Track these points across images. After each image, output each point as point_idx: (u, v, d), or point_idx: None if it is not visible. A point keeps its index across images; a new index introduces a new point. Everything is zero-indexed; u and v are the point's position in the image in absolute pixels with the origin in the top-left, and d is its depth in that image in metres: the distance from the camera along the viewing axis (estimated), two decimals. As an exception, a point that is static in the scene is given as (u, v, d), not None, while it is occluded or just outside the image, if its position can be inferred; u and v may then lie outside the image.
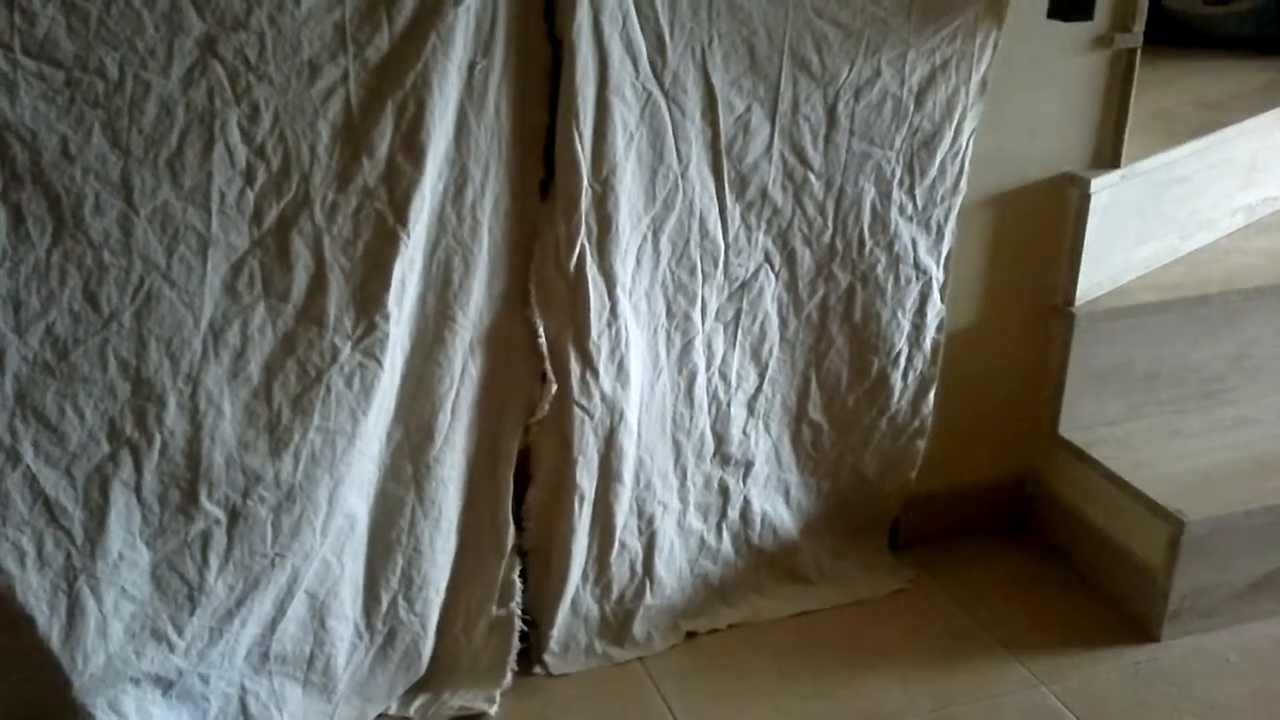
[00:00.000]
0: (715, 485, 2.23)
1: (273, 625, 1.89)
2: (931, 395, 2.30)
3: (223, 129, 1.66)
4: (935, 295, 2.23)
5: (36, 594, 1.70)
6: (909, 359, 2.27)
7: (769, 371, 2.18)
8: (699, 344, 2.11)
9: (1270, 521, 2.25)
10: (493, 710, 2.05)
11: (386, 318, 1.80)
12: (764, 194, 2.05)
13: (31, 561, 1.69)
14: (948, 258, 2.20)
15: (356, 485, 1.89)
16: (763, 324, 2.14)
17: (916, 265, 2.20)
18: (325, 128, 1.71)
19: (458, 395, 1.93)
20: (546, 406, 1.99)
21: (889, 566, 2.40)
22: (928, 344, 2.26)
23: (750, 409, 2.20)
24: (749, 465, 2.23)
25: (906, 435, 2.33)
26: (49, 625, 1.71)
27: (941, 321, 2.25)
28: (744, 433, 2.21)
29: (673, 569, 2.22)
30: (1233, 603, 2.27)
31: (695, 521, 2.23)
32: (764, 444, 2.23)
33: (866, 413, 2.28)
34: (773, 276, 2.12)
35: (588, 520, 2.09)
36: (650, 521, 2.17)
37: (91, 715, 1.74)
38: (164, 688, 1.83)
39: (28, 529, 1.68)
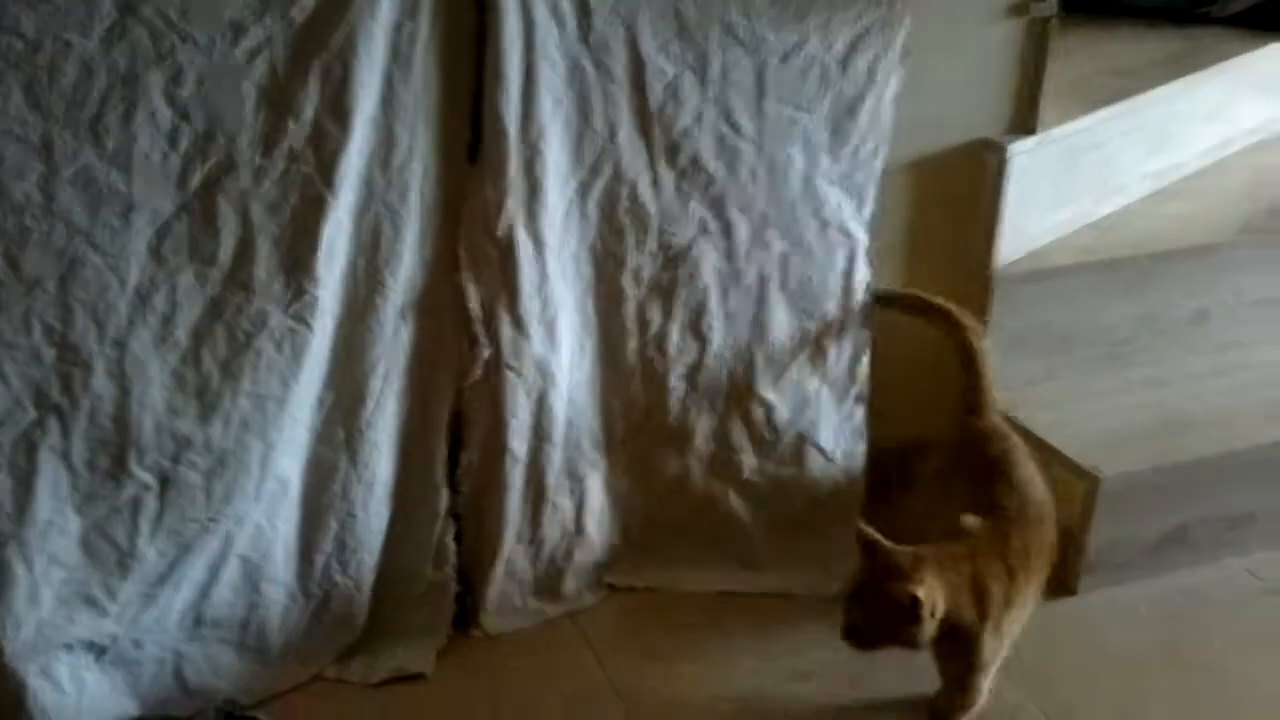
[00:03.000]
0: (648, 453, 2.24)
1: (206, 590, 1.89)
2: (866, 359, 2.31)
3: (145, 91, 1.65)
4: (861, 259, 2.25)
5: (-37, 561, 1.68)
6: (842, 323, 2.29)
7: (711, 345, 2.19)
8: (630, 310, 2.12)
9: (1178, 478, 2.33)
10: (430, 670, 2.06)
11: (316, 282, 1.80)
12: (696, 161, 2.05)
13: (-44, 529, 1.68)
14: (871, 221, 2.24)
15: (289, 450, 1.89)
16: (702, 296, 2.15)
17: (843, 229, 2.21)
18: (250, 90, 1.71)
19: (389, 359, 1.94)
20: (478, 370, 2.01)
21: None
22: (857, 306, 2.30)
23: (691, 383, 2.20)
24: (688, 439, 2.24)
25: (848, 403, 2.33)
26: (-25, 593, 1.70)
27: (868, 285, 2.28)
28: (683, 406, 2.21)
29: (601, 527, 2.25)
30: (1145, 556, 2.34)
31: (625, 483, 2.25)
32: (707, 420, 2.23)
33: (810, 383, 2.29)
34: (710, 247, 2.12)
35: (520, 482, 2.10)
36: (581, 481, 2.19)
37: (24, 681, 1.74)
38: (97, 653, 1.83)
39: (-49, 497, 1.67)
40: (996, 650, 1.91)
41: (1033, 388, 2.49)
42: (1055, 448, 2.32)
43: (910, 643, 1.80)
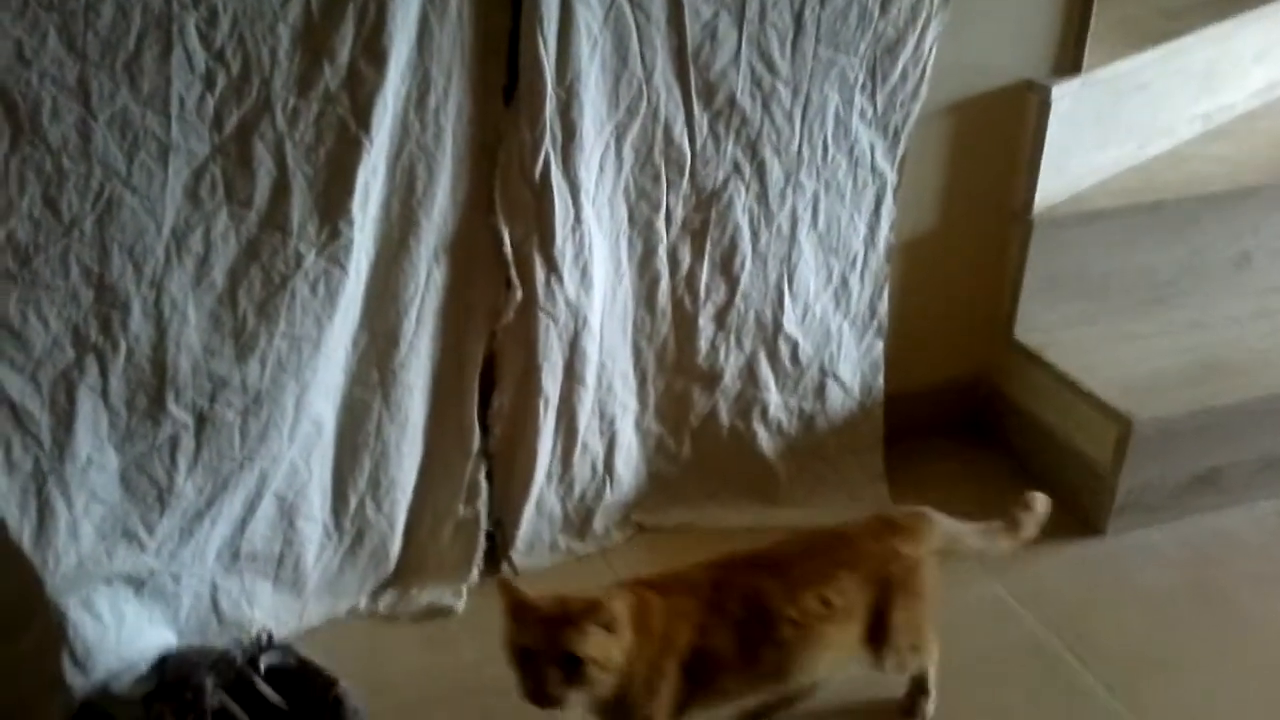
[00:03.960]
0: (677, 393, 2.26)
1: (242, 526, 1.93)
2: (886, 295, 2.33)
3: (181, 33, 1.64)
4: (889, 198, 2.25)
5: (5, 497, 1.72)
6: (865, 261, 2.29)
7: (740, 285, 2.20)
8: (662, 252, 2.12)
9: (1212, 421, 2.32)
10: (460, 606, 2.10)
11: (351, 224, 1.80)
12: (732, 102, 2.04)
13: (0, 465, 1.71)
14: (902, 161, 2.22)
15: (323, 391, 1.91)
16: (733, 236, 2.15)
17: (873, 169, 2.21)
18: (285, 32, 1.70)
19: (423, 302, 1.95)
20: (511, 313, 2.01)
21: (875, 501, 2.37)
22: (882, 245, 2.29)
23: (720, 323, 2.22)
24: (716, 378, 2.26)
25: (869, 336, 2.36)
26: (19, 527, 1.73)
27: (894, 223, 2.28)
28: (712, 345, 2.23)
29: (630, 467, 2.27)
30: (1175, 498, 2.35)
31: (654, 424, 2.27)
32: (735, 359, 2.26)
33: (833, 319, 2.31)
34: (742, 187, 2.12)
35: (552, 423, 2.13)
36: (611, 422, 2.21)
37: (65, 614, 1.78)
38: (136, 586, 1.87)
39: (-6, 433, 1.70)
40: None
41: (1068, 331, 2.48)
42: (1088, 391, 2.32)
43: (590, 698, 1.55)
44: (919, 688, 1.88)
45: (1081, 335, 2.48)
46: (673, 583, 1.66)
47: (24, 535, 1.74)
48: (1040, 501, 1.88)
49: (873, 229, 2.27)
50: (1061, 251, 2.43)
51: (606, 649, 1.51)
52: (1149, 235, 2.51)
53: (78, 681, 1.79)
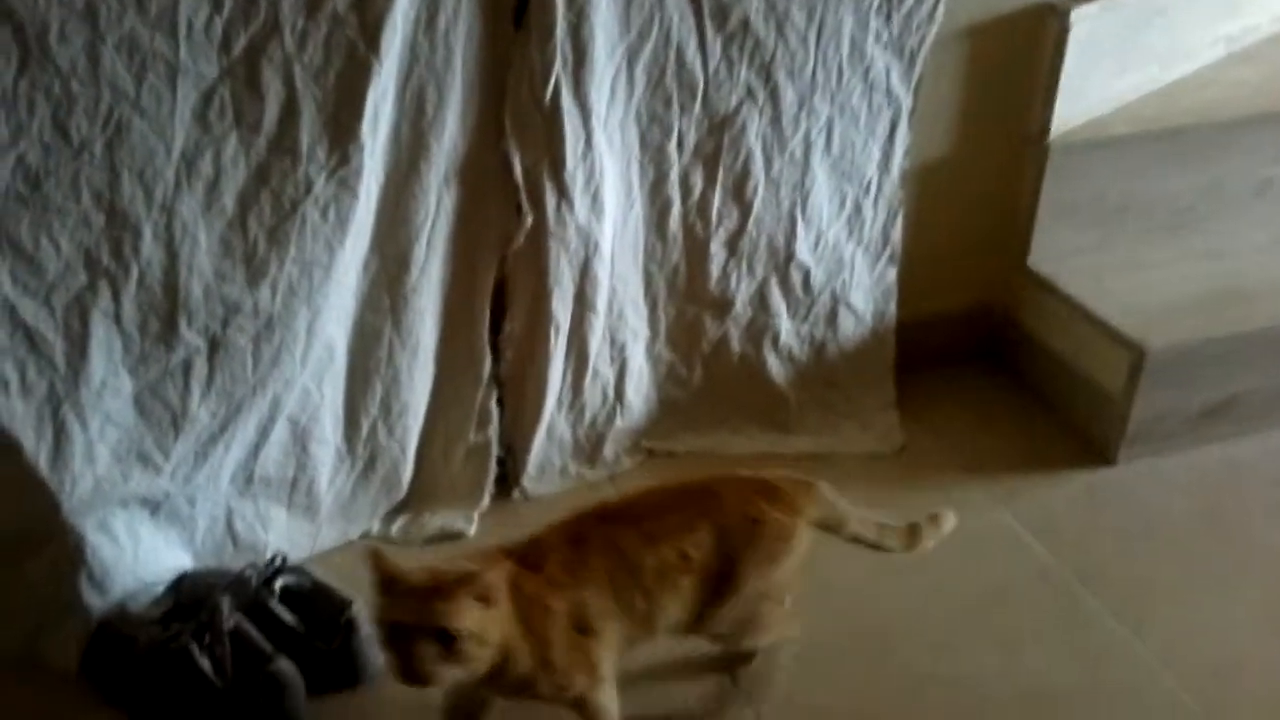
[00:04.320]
0: (688, 319, 2.26)
1: (256, 450, 1.95)
2: (900, 221, 2.32)
3: (186, -48, 1.63)
4: (904, 122, 2.22)
5: (21, 420, 1.73)
6: (879, 187, 2.27)
7: (753, 211, 2.18)
8: (674, 177, 2.11)
9: (1228, 350, 2.31)
10: (471, 530, 2.12)
11: (360, 148, 1.79)
12: (746, 25, 2.01)
13: (15, 389, 1.72)
14: (918, 85, 2.19)
15: (335, 316, 1.92)
16: (746, 161, 2.13)
17: (889, 93, 2.18)
18: (292, -49, 1.68)
19: (433, 227, 1.94)
20: (522, 238, 2.01)
21: (886, 429, 2.39)
22: (896, 170, 2.27)
23: (731, 249, 2.21)
24: (727, 305, 2.26)
25: (881, 263, 2.35)
26: (36, 450, 1.75)
27: (909, 148, 2.25)
28: (724, 272, 2.22)
29: (641, 393, 2.28)
30: (1188, 427, 2.34)
31: (665, 351, 2.28)
32: (746, 286, 2.25)
33: (846, 246, 2.30)
34: (756, 112, 2.10)
35: (563, 349, 2.13)
36: (622, 349, 2.21)
37: (82, 535, 1.80)
38: (152, 509, 1.89)
39: (9, 357, 1.71)
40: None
41: (1083, 258, 2.46)
42: (1102, 318, 2.31)
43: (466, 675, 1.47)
44: (744, 655, 1.79)
45: (1096, 263, 2.46)
46: (533, 547, 1.57)
47: (40, 458, 1.75)
48: (948, 522, 1.79)
49: (887, 154, 2.25)
50: (1078, 178, 2.40)
51: (482, 622, 1.43)
52: (1168, 162, 2.48)
53: (95, 602, 1.82)
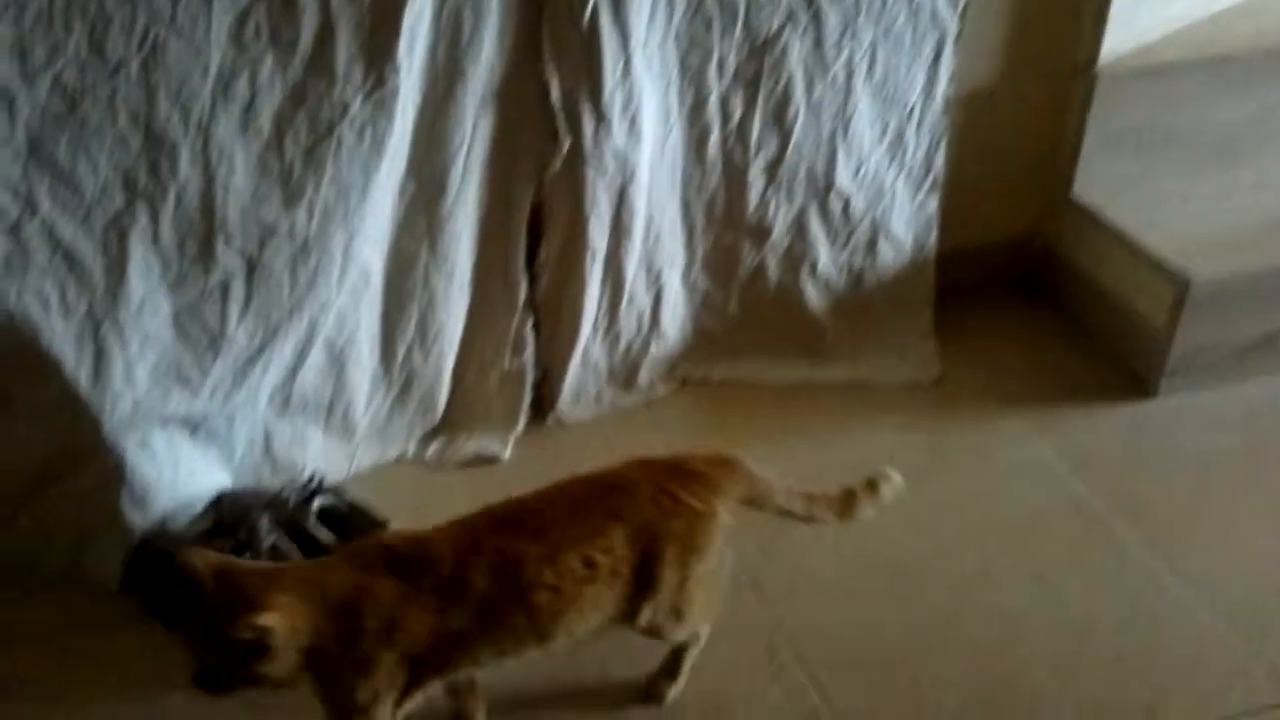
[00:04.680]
0: (726, 246, 2.24)
1: (293, 372, 1.96)
2: (942, 149, 2.28)
3: None
4: (950, 48, 2.18)
5: (62, 339, 1.75)
6: (922, 114, 2.24)
7: (793, 137, 2.15)
8: (713, 102, 2.08)
9: (1274, 284, 2.28)
10: (506, 455, 2.14)
11: (396, 70, 1.78)
12: None
13: (55, 308, 1.74)
14: (965, 9, 2.14)
15: (371, 239, 1.92)
16: (786, 86, 2.10)
17: (934, 17, 2.14)
18: None
19: (469, 151, 1.93)
20: (559, 163, 1.99)
21: (923, 358, 2.38)
22: (940, 97, 2.23)
23: (770, 176, 2.18)
24: (765, 233, 2.24)
25: (923, 192, 2.32)
26: (76, 370, 1.77)
27: (953, 74, 2.21)
28: (762, 199, 2.20)
29: (676, 320, 2.27)
30: (1230, 361, 2.31)
31: (701, 278, 2.27)
32: (785, 213, 2.23)
33: (887, 174, 2.27)
34: (797, 36, 2.06)
35: (599, 275, 2.12)
36: (658, 276, 2.20)
37: (123, 454, 1.83)
38: (191, 429, 1.91)
39: (49, 277, 1.72)
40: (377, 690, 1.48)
41: (1129, 188, 2.42)
42: (1145, 249, 2.28)
43: (269, 682, 1.41)
44: (670, 665, 1.70)
45: (1142, 193, 2.42)
46: (418, 554, 1.47)
47: (81, 377, 1.77)
48: (890, 486, 1.67)
49: (931, 80, 2.21)
50: (1125, 107, 2.36)
51: (278, 637, 1.36)
52: (1217, 91, 2.42)
53: (136, 519, 1.85)
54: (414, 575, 1.45)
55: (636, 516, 1.52)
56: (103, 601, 1.85)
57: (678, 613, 1.59)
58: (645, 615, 1.56)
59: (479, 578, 1.46)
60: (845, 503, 1.66)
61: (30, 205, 1.68)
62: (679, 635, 1.65)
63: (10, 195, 1.66)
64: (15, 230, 1.68)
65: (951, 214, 2.35)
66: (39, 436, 1.84)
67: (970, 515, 2.02)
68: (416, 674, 1.48)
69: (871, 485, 1.66)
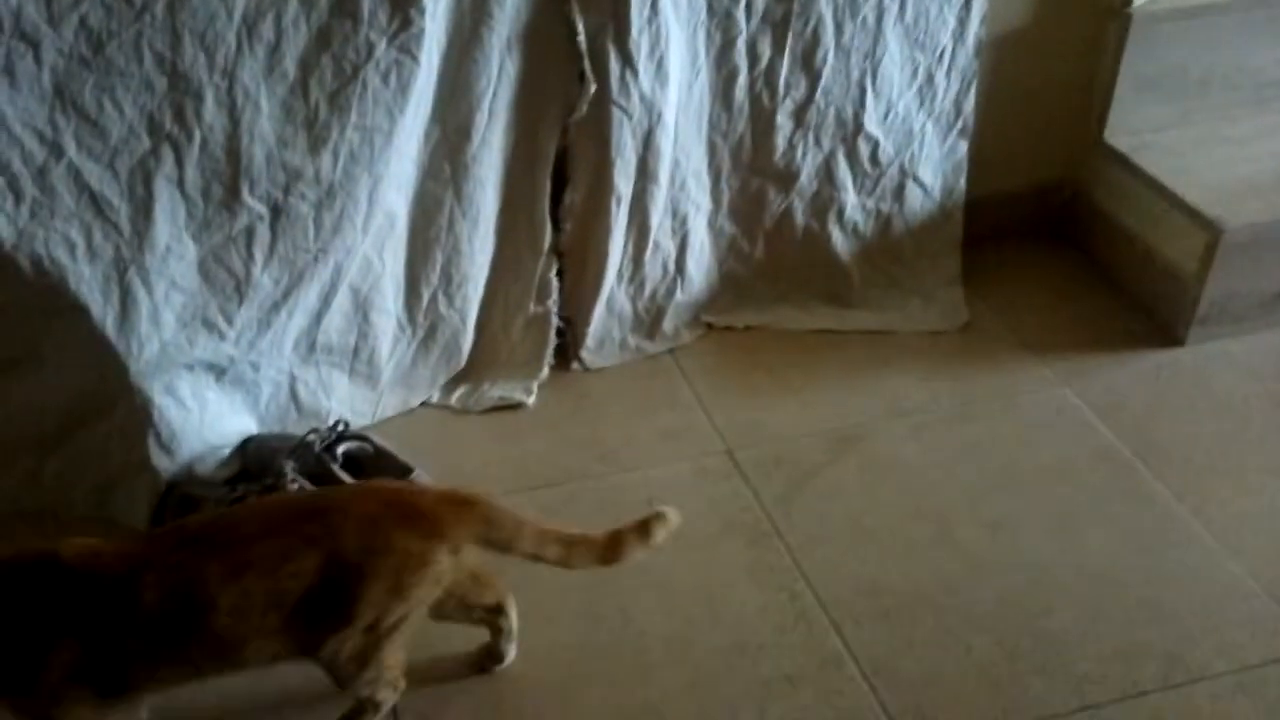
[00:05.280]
0: (752, 192, 2.22)
1: (318, 318, 1.96)
2: (973, 92, 2.25)
3: None
4: None
5: (89, 284, 1.75)
6: (953, 56, 2.21)
7: (822, 80, 2.13)
8: (741, 45, 2.05)
9: (1309, 232, 2.24)
10: (530, 401, 2.14)
11: (422, 12, 1.76)
12: None
13: (81, 253, 1.74)
14: (997, -52, 2.12)
15: (396, 184, 1.91)
16: (816, 28, 2.07)
17: (967, -44, 2.11)
18: None
19: (495, 94, 1.92)
20: (585, 107, 1.97)
21: (950, 305, 2.36)
22: (971, 39, 2.19)
23: (798, 120, 2.16)
24: (792, 178, 2.21)
25: (952, 136, 2.29)
26: (103, 314, 1.77)
27: (985, 16, 2.18)
28: (789, 143, 2.18)
29: (702, 267, 2.26)
30: (1262, 309, 2.29)
31: (727, 223, 2.25)
32: (813, 158, 2.20)
33: (916, 118, 2.24)
34: None
35: (624, 220, 2.11)
36: (684, 221, 2.19)
37: (149, 398, 1.83)
38: (217, 374, 1.92)
39: (76, 221, 1.72)
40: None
41: (1161, 134, 2.39)
42: (1177, 195, 2.24)
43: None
44: (356, 710, 1.55)
45: (1175, 138, 2.38)
46: (78, 575, 1.38)
47: (108, 321, 1.78)
48: (664, 528, 1.52)
49: (962, 22, 2.17)
50: (1160, 49, 2.32)
51: None
52: (1256, 32, 2.38)
53: (164, 463, 1.86)
54: (79, 591, 1.37)
55: (337, 545, 1.40)
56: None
57: (361, 658, 1.46)
58: (329, 648, 1.44)
59: (150, 594, 1.36)
60: (610, 546, 1.52)
61: (56, 150, 1.68)
62: (358, 686, 1.50)
63: (37, 139, 1.66)
64: (42, 174, 1.68)
65: (981, 158, 2.33)
66: (66, 382, 1.85)
67: (996, 462, 2.01)
68: (100, 692, 1.40)
69: (643, 527, 1.52)
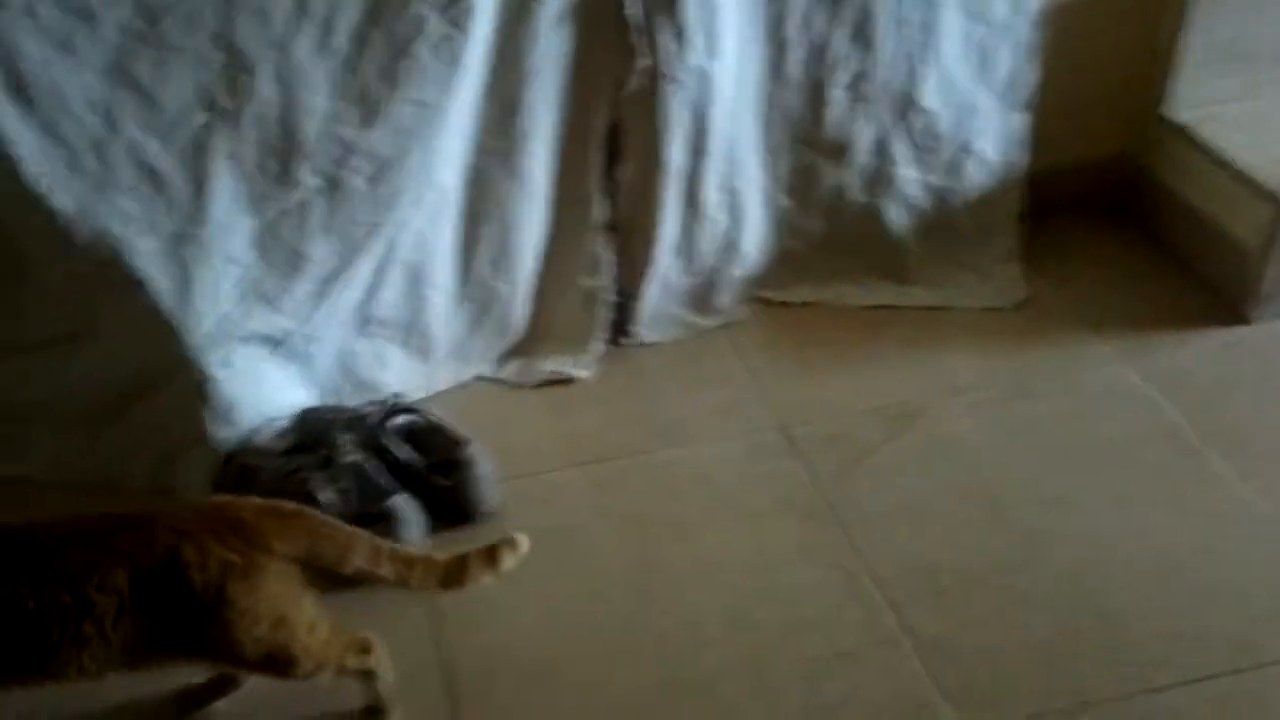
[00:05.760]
0: (806, 166, 2.20)
1: (373, 291, 1.97)
2: (1035, 64, 2.21)
3: None
4: None
5: (147, 257, 1.77)
6: (1011, 27, 2.17)
7: (876, 53, 2.10)
8: (795, 17, 2.03)
9: (1380, 205, 2.19)
10: (583, 375, 2.14)
11: (473, -14, 1.76)
12: None
13: (139, 226, 1.76)
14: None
15: (448, 158, 1.91)
16: (871, 1, 2.05)
17: (1026, -74, 2.08)
18: None
19: (546, 69, 1.91)
20: (635, 80, 1.96)
21: (1009, 281, 2.33)
22: (1030, 10, 2.15)
23: (853, 93, 2.13)
24: (847, 152, 2.19)
25: (1012, 110, 2.25)
26: (160, 287, 1.79)
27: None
28: (844, 118, 2.15)
29: (755, 242, 2.24)
30: (1330, 288, 2.24)
31: (781, 198, 2.23)
32: (868, 132, 2.18)
33: (974, 91, 2.21)
34: None
35: (677, 195, 2.10)
36: (737, 196, 2.17)
37: (206, 370, 1.85)
38: (273, 346, 1.93)
39: (134, 196, 1.74)
40: None
41: (1224, 107, 2.34)
42: (1242, 169, 2.20)
43: None
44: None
45: (1239, 111, 2.33)
46: None
47: (165, 295, 1.79)
48: (511, 556, 1.49)
49: (1022, -9, 2.14)
50: (1224, 19, 2.26)
51: None
52: (1326, 3, 2.33)
53: (221, 434, 1.88)
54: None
55: (141, 562, 1.35)
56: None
57: (279, 665, 1.44)
58: (235, 667, 1.48)
59: None
60: (453, 570, 1.48)
61: (114, 124, 1.70)
62: (307, 680, 1.48)
63: (95, 114, 1.68)
64: (100, 149, 1.70)
65: (1040, 131, 2.28)
66: (123, 355, 1.88)
67: (1055, 440, 1.98)
68: None
69: (490, 554, 1.49)
